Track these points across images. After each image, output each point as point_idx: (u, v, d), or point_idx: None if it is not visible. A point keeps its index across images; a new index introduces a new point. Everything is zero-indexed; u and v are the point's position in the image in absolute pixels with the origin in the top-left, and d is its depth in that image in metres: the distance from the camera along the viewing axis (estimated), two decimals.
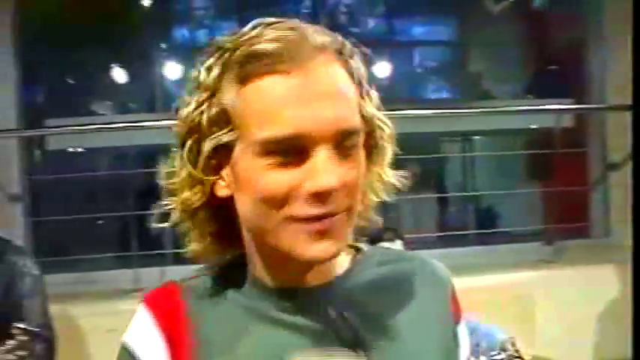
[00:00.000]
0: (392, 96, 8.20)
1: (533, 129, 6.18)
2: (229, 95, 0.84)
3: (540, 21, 7.16)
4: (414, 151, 7.68)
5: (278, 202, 0.83)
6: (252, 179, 0.84)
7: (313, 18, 8.11)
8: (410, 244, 5.38)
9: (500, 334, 3.05)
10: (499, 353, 2.58)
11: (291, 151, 0.83)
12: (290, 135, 0.82)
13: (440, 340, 0.98)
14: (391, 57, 8.14)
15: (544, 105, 5.77)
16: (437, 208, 8.33)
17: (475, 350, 2.64)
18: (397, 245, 3.33)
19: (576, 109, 5.70)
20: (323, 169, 0.82)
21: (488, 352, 2.64)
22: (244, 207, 0.88)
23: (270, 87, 0.82)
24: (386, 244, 3.24)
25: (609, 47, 5.48)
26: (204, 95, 0.88)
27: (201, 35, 8.24)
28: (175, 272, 3.53)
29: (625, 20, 5.30)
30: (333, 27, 1.00)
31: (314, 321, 0.89)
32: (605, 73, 5.50)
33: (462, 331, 1.06)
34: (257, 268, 0.97)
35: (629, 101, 5.28)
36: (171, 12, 8.23)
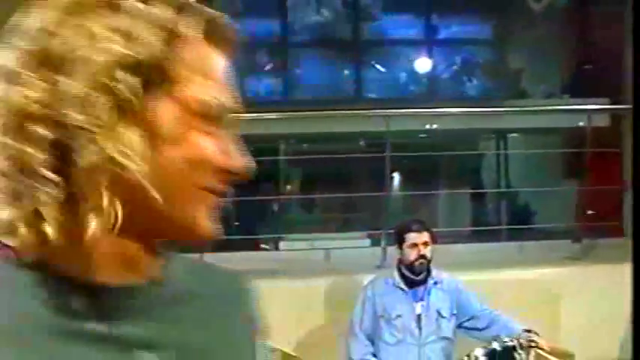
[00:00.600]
0: (432, 93, 8.35)
1: (569, 128, 6.24)
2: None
3: (579, 20, 7.20)
4: (452, 147, 7.83)
5: (201, 166, 0.78)
6: (182, 137, 0.77)
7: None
8: (442, 238, 5.58)
9: (518, 326, 3.18)
10: (512, 341, 2.71)
11: (214, 122, 0.80)
12: (226, 106, 0.81)
13: (240, 357, 0.91)
14: (431, 55, 8.28)
15: (580, 104, 5.85)
16: (471, 203, 8.44)
17: (494, 340, 2.79)
18: (424, 237, 3.43)
19: (610, 109, 5.78)
20: (233, 149, 0.81)
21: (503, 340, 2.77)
22: (159, 169, 0.76)
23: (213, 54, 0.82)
24: (413, 235, 3.39)
25: None
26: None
27: (247, 27, 8.46)
28: (213, 258, 3.75)
29: None
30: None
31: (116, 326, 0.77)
32: None
33: (261, 348, 1.02)
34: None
35: None
36: None
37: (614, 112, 5.75)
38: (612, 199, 5.78)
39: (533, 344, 2.72)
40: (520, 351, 2.67)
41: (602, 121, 5.77)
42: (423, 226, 3.49)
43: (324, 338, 4.05)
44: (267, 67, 8.77)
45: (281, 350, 3.10)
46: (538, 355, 2.79)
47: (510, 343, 2.70)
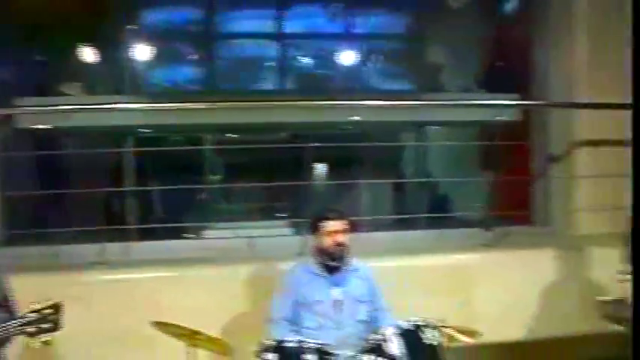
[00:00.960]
0: (351, 87, 8.51)
1: (484, 121, 6.50)
2: None
3: (493, 19, 7.47)
4: (374, 139, 8.02)
5: None
6: None
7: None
8: (365, 226, 5.75)
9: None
10: (421, 320, 2.84)
11: None
12: None
13: None
14: (354, 48, 8.41)
15: (493, 100, 6.11)
16: (393, 193, 8.64)
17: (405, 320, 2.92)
18: (340, 225, 3.54)
19: (521, 104, 6.06)
20: None
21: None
22: None
23: None
24: (329, 223, 3.51)
25: (555, 47, 5.85)
26: None
27: (172, 17, 8.38)
28: (140, 247, 3.84)
29: (569, 21, 5.70)
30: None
31: None
32: (550, 70, 5.89)
33: None
34: None
35: (572, 98, 5.69)
36: None
37: (524, 107, 6.04)
38: (523, 189, 6.08)
39: (441, 324, 2.88)
40: (429, 329, 2.82)
41: (514, 116, 6.05)
42: (338, 215, 3.59)
43: (248, 323, 4.15)
44: (191, 57, 8.72)
45: (206, 334, 3.19)
46: (449, 335, 2.95)
47: (420, 323, 2.84)
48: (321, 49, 8.77)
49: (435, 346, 2.84)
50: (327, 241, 3.53)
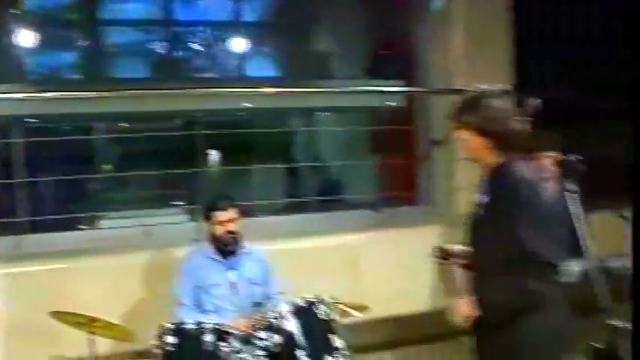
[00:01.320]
0: (241, 74, 8.62)
1: (371, 107, 6.77)
2: None
3: (379, 7, 7.73)
4: (266, 125, 8.16)
5: None
6: None
7: None
8: (258, 211, 5.89)
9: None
10: (314, 297, 3.02)
11: None
12: None
13: None
14: (245, 36, 8.49)
15: (380, 86, 6.39)
16: (285, 178, 8.83)
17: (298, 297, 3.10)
18: (230, 214, 3.66)
19: (406, 91, 6.36)
20: None
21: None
22: None
23: None
24: (219, 213, 3.63)
25: (435, 36, 6.20)
26: None
27: (52, 1, 8.15)
28: (32, 240, 3.83)
29: (447, 12, 6.05)
30: None
31: None
32: (432, 59, 6.23)
33: None
34: None
35: (451, 85, 6.05)
36: None
37: (409, 93, 6.34)
38: (409, 172, 6.39)
39: (333, 300, 3.07)
40: (322, 305, 3.00)
41: (400, 102, 6.34)
42: (229, 204, 3.70)
43: (146, 310, 4.21)
44: (79, 44, 8.53)
45: (104, 320, 3.24)
46: (338, 309, 3.16)
47: (313, 300, 3.01)
48: (209, 37, 8.80)
49: (328, 320, 3.02)
50: (219, 230, 3.65)
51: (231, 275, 3.68)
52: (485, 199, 2.49)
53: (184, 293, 3.66)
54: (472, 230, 2.55)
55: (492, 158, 2.46)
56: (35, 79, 7.46)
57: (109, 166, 7.90)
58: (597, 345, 2.35)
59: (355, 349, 3.28)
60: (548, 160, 3.64)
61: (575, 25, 7.00)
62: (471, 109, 2.47)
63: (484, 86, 2.55)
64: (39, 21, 7.52)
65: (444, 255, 2.84)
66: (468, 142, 2.47)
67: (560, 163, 2.72)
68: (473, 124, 2.45)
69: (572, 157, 2.52)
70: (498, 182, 2.44)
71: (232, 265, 3.70)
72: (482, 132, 2.43)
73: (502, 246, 2.35)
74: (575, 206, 2.45)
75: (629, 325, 2.26)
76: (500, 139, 2.41)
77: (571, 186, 2.48)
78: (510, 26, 5.99)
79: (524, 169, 2.38)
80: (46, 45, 7.75)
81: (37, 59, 7.83)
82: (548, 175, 2.49)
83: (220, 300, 3.62)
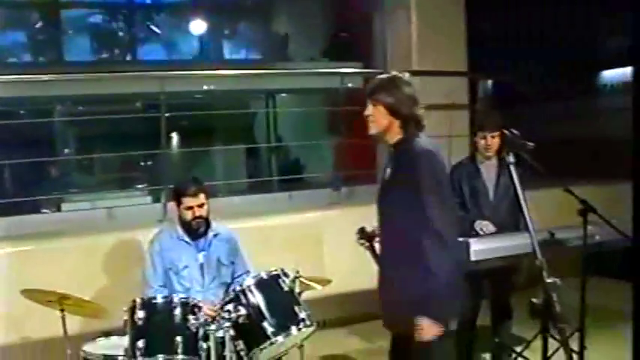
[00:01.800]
0: (206, 56, 8.66)
1: (329, 89, 6.90)
2: None
3: None
4: (227, 107, 8.24)
5: None
6: None
7: None
8: (220, 191, 6.00)
9: None
10: (276, 270, 3.14)
11: None
12: None
13: None
14: (206, 19, 8.53)
15: (337, 68, 6.52)
16: (246, 159, 8.95)
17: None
18: (199, 200, 3.71)
19: (363, 72, 6.51)
20: None
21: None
22: None
23: None
24: (188, 199, 3.69)
25: (391, 19, 6.35)
26: None
27: None
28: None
29: None
30: None
31: None
32: (388, 42, 6.39)
33: None
34: None
35: (410, 67, 6.21)
36: None
37: (366, 74, 6.48)
38: (366, 151, 6.55)
39: (296, 274, 3.20)
40: (286, 278, 3.13)
41: (357, 83, 6.48)
42: (198, 189, 3.70)
43: (113, 290, 4.27)
44: (36, 26, 8.47)
45: (75, 297, 3.31)
46: (301, 282, 3.29)
47: (277, 273, 3.13)
48: (170, 19, 8.82)
49: (292, 292, 3.14)
50: (187, 215, 3.70)
51: (200, 257, 3.74)
52: (389, 172, 2.70)
53: (154, 276, 3.70)
54: (378, 203, 2.76)
55: (396, 136, 2.69)
56: None
57: (70, 150, 7.90)
58: (535, 300, 2.55)
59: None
60: (491, 135, 3.90)
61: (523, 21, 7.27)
62: (385, 90, 2.68)
63: (395, 72, 2.79)
64: None
65: (366, 236, 3.00)
66: (378, 119, 2.68)
67: (502, 139, 2.93)
68: (386, 104, 2.66)
69: (511, 133, 2.73)
70: (400, 155, 2.67)
71: (201, 246, 3.75)
72: (393, 111, 2.66)
73: (404, 214, 2.60)
74: (516, 178, 2.67)
75: (559, 281, 2.47)
76: (406, 119, 2.65)
77: (510, 158, 2.69)
78: (464, 14, 6.19)
79: (422, 142, 2.64)
80: (1, 26, 7.68)
81: None
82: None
83: (189, 281, 3.66)
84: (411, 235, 2.56)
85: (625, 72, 7.29)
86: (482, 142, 3.94)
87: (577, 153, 6.34)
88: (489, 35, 7.19)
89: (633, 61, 2.24)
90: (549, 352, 3.00)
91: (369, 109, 2.70)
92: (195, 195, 3.68)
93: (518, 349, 3.98)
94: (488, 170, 3.99)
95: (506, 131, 2.78)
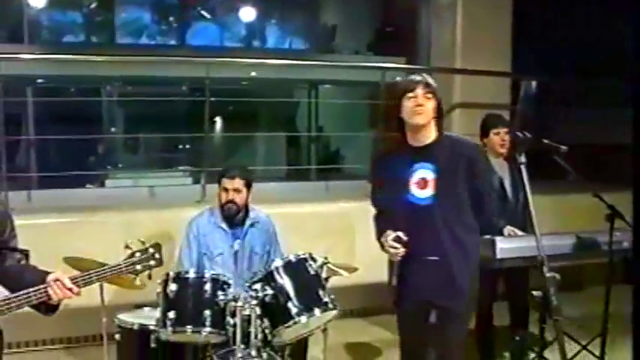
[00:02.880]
0: (249, 44, 8.77)
1: (372, 82, 6.95)
2: None
3: None
4: (270, 95, 8.36)
5: None
6: None
7: None
8: (260, 178, 6.11)
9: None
10: (304, 254, 3.21)
11: None
12: None
13: None
14: (255, 7, 8.65)
15: (380, 62, 6.57)
16: (287, 147, 9.06)
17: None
18: (235, 184, 3.76)
19: (405, 68, 6.55)
20: None
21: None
22: None
23: None
24: (225, 180, 3.77)
25: (437, 16, 6.38)
26: None
27: None
28: (41, 195, 4.03)
29: None
30: None
31: None
32: (433, 38, 6.42)
33: None
34: None
35: (453, 64, 6.23)
36: None
37: (409, 70, 6.52)
38: None
39: (324, 260, 3.27)
40: (312, 262, 3.21)
41: (401, 78, 6.51)
42: (237, 173, 3.79)
43: None
44: (90, 7, 8.68)
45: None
46: (328, 269, 3.37)
47: (305, 256, 3.22)
48: (221, 4, 8.95)
49: (318, 276, 3.22)
50: (222, 197, 3.80)
51: (235, 245, 3.81)
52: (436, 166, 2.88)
53: (189, 257, 3.80)
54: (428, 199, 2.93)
55: (431, 133, 2.89)
56: (46, 40, 7.60)
57: (117, 129, 8.10)
58: (534, 292, 2.63)
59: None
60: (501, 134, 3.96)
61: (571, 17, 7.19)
62: (434, 87, 2.88)
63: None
64: None
65: (404, 244, 2.95)
66: (428, 112, 2.84)
67: (513, 139, 3.00)
68: (438, 101, 2.88)
69: (523, 134, 2.79)
70: (443, 149, 2.88)
71: (238, 234, 3.83)
72: (439, 110, 2.89)
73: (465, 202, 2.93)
74: (526, 179, 2.73)
75: (557, 276, 2.55)
76: (441, 120, 2.91)
77: (521, 159, 2.76)
78: (511, 14, 6.18)
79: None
80: (57, 8, 7.91)
81: (47, 21, 7.97)
82: None
83: (221, 267, 3.72)
84: (468, 220, 2.91)
85: None
86: (497, 138, 4.02)
87: (613, 158, 6.28)
88: (536, 36, 7.14)
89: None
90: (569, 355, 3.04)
91: (428, 99, 2.83)
92: (232, 178, 3.76)
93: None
94: (502, 169, 4.03)
95: (518, 132, 2.84)
